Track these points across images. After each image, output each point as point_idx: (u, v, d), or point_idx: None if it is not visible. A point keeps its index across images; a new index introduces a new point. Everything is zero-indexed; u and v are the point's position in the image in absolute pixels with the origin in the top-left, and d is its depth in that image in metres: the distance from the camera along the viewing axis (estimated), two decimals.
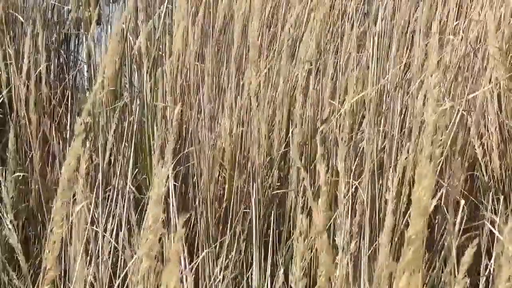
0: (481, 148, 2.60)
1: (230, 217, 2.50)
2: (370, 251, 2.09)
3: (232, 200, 2.51)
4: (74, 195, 2.11)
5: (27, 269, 2.30)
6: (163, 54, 2.76)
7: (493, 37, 2.57)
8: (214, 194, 2.56)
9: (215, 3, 2.88)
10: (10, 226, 2.25)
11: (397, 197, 2.06)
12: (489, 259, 2.19)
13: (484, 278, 2.14)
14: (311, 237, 2.01)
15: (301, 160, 2.53)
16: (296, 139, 2.24)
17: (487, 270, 2.16)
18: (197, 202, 2.53)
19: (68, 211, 1.93)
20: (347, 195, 2.04)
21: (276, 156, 2.61)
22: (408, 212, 1.97)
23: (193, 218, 2.60)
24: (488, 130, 2.64)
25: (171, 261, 1.43)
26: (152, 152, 2.49)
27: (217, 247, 2.49)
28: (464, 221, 2.14)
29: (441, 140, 2.27)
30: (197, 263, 2.39)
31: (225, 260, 2.43)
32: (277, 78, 2.72)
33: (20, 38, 3.33)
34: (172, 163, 2.36)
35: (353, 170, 2.40)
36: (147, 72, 2.64)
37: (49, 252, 1.60)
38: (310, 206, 1.94)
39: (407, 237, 1.40)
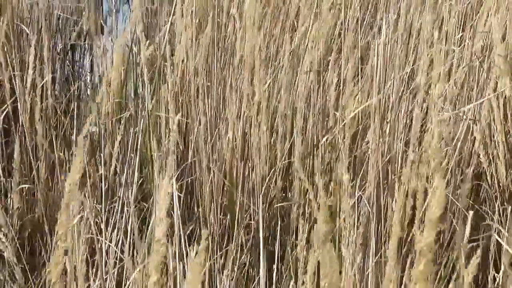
0: (486, 157, 2.59)
1: (235, 228, 2.49)
2: (375, 261, 2.09)
3: (236, 212, 2.51)
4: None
5: (23, 281, 2.30)
6: (163, 67, 2.77)
7: (498, 47, 2.56)
8: (219, 204, 2.56)
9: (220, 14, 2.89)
10: (4, 239, 2.25)
11: (402, 208, 2.05)
12: (497, 271, 2.18)
13: None
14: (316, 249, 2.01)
15: (304, 171, 2.53)
16: (298, 150, 2.23)
17: (495, 282, 2.15)
18: (201, 214, 2.53)
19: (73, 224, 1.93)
20: (351, 206, 2.04)
21: (280, 167, 2.61)
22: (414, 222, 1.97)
23: (197, 229, 2.60)
24: (493, 140, 2.63)
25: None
26: (154, 163, 2.49)
27: (222, 258, 2.49)
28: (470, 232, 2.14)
29: (446, 150, 2.27)
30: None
31: (231, 272, 2.43)
32: (279, 88, 2.72)
33: (26, 49, 3.33)
34: (175, 174, 2.36)
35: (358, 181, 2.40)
36: (149, 83, 2.64)
37: (54, 265, 1.60)
38: (313, 218, 1.94)
39: (418, 248, 1.40)
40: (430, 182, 1.86)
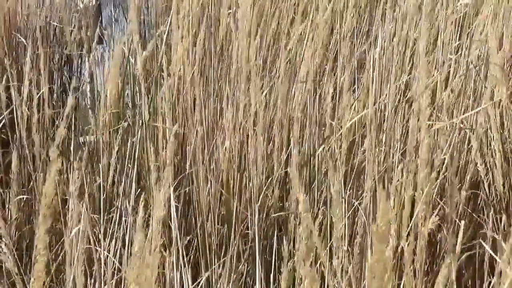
0: (483, 166, 2.59)
1: (231, 238, 2.49)
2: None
3: (233, 222, 2.51)
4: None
5: None
6: (161, 76, 2.77)
7: (494, 55, 2.56)
8: (217, 214, 2.56)
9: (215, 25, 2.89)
10: (6, 250, 2.25)
11: (397, 217, 2.05)
12: (493, 277, 2.18)
13: None
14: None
15: (301, 181, 2.53)
16: (295, 160, 2.23)
17: None
18: (199, 224, 2.53)
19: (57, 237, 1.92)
20: (346, 216, 2.04)
21: (277, 176, 2.61)
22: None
23: (195, 239, 2.60)
24: (490, 148, 2.62)
25: None
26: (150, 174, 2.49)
27: (220, 267, 2.49)
28: (465, 240, 2.14)
29: (443, 159, 2.27)
30: (200, 284, 2.39)
31: (228, 282, 2.43)
32: (276, 98, 2.72)
33: (23, 60, 3.34)
34: (173, 184, 2.37)
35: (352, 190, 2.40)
36: (145, 93, 2.65)
37: (34, 280, 1.58)
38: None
39: (368, 264, 1.40)
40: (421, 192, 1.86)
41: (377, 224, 1.37)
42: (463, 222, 1.87)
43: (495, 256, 1.94)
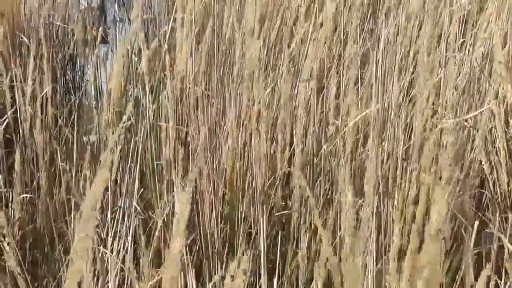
0: (488, 164, 2.58)
1: (235, 237, 2.49)
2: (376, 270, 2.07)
3: (236, 221, 2.50)
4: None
5: None
6: (165, 74, 2.76)
7: (499, 53, 2.55)
8: (220, 213, 2.55)
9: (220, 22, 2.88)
10: (8, 249, 2.24)
11: (401, 216, 2.04)
12: (499, 278, 2.16)
13: None
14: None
15: (304, 179, 2.52)
16: (299, 159, 2.22)
17: None
18: (202, 223, 2.52)
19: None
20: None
21: (280, 175, 2.60)
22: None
23: (198, 238, 2.59)
24: (495, 146, 2.62)
25: None
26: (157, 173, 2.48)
27: (223, 268, 2.48)
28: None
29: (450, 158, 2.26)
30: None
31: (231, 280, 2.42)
32: (279, 96, 2.71)
33: (26, 59, 3.33)
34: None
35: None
36: (150, 93, 2.64)
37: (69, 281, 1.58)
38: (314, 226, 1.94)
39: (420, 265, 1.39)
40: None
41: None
42: (476, 222, 1.86)
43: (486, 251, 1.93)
